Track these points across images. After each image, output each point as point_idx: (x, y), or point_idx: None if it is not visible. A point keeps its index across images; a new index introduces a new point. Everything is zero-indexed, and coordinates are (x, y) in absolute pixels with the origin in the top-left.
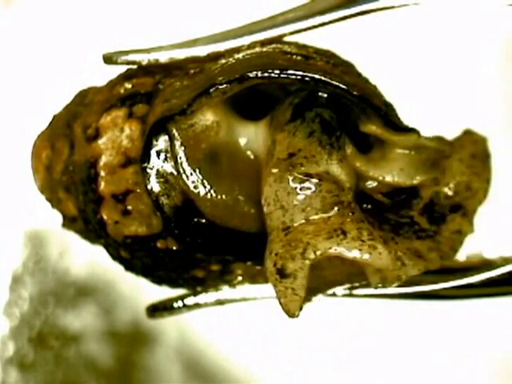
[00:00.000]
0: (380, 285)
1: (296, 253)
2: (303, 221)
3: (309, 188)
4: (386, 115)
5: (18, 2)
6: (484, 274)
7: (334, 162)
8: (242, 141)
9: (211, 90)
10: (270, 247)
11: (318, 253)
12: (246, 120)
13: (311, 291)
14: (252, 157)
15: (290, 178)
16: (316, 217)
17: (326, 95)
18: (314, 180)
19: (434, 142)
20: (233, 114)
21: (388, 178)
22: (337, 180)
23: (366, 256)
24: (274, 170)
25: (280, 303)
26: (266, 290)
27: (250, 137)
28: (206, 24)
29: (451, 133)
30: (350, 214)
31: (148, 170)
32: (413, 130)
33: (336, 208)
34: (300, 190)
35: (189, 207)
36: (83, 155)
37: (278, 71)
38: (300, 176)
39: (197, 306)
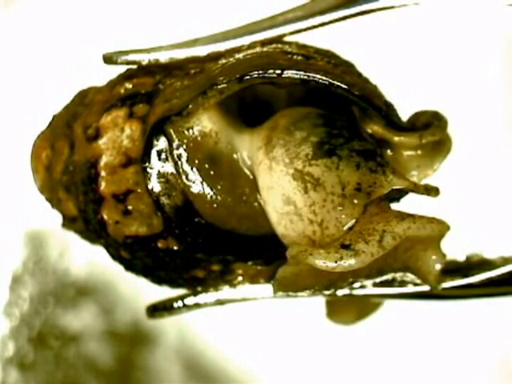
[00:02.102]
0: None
1: (371, 239)
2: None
3: None
4: (387, 115)
5: (18, 2)
6: (484, 273)
7: (391, 177)
8: (242, 153)
9: (207, 90)
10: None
11: (398, 237)
12: (244, 128)
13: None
14: (251, 167)
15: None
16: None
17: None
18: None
19: (437, 134)
20: (233, 125)
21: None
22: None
23: (441, 222)
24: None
25: (313, 251)
26: (266, 290)
27: (246, 151)
28: (206, 24)
29: (451, 133)
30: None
31: (149, 170)
32: (413, 130)
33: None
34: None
35: (189, 207)
36: (83, 155)
37: (278, 71)
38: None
39: (197, 305)
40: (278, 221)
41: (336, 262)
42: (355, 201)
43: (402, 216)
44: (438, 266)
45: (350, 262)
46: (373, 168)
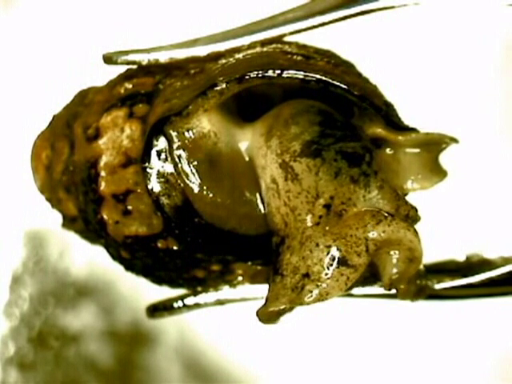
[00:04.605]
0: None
1: (360, 250)
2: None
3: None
4: (387, 115)
5: (18, 2)
6: (484, 274)
7: (373, 194)
8: (242, 147)
9: (207, 90)
10: (310, 242)
11: (378, 243)
12: (244, 123)
13: None
14: (251, 151)
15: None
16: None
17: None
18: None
19: (443, 136)
20: (232, 121)
21: (409, 186)
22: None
23: (416, 235)
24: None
25: (320, 286)
26: (266, 290)
27: (248, 142)
28: (206, 24)
29: (451, 133)
30: None
31: (148, 170)
32: (414, 130)
33: None
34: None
35: (189, 207)
36: (83, 155)
37: (278, 71)
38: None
39: (197, 306)
40: (265, 190)
41: (346, 284)
42: (322, 218)
43: (378, 217)
44: (393, 272)
45: (353, 277)
46: (354, 177)
